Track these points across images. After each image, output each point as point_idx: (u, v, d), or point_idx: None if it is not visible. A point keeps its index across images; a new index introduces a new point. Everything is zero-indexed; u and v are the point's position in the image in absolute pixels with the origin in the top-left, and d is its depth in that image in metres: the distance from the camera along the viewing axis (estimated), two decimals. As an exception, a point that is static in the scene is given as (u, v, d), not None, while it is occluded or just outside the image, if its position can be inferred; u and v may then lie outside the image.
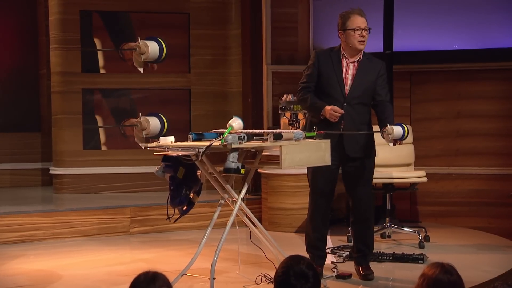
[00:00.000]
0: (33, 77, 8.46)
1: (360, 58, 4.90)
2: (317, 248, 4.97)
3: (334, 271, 5.03)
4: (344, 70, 4.89)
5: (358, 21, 4.84)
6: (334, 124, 4.81)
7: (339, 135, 4.84)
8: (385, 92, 4.93)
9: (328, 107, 4.78)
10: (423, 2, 7.18)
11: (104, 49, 7.75)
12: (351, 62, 4.90)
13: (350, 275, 4.96)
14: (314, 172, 4.92)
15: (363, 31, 4.83)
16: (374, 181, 5.23)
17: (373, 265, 5.13)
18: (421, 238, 5.94)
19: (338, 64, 4.89)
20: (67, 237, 6.45)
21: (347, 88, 4.87)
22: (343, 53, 4.90)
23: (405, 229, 6.22)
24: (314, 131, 4.75)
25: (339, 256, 5.49)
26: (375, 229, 5.98)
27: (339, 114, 4.77)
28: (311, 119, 4.96)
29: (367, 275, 4.92)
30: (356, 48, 4.86)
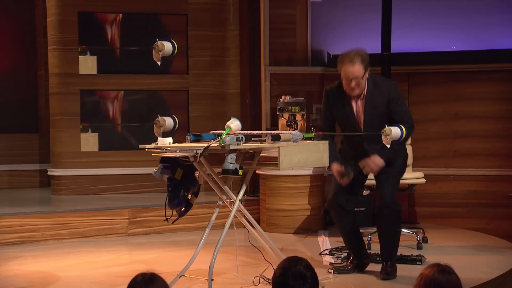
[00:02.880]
0: (31, 78, 8.47)
1: (364, 93, 4.88)
2: (353, 250, 5.12)
3: (331, 272, 5.04)
4: (354, 108, 4.91)
5: (347, 72, 4.81)
6: (359, 152, 4.90)
7: (362, 153, 4.89)
8: (401, 117, 4.85)
9: (335, 169, 4.89)
10: (421, 3, 7.19)
11: (117, 48, 7.76)
12: (358, 100, 4.90)
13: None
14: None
15: (352, 81, 4.82)
16: (370, 182, 5.24)
17: (371, 266, 5.16)
18: (419, 239, 5.94)
19: (347, 103, 4.90)
20: (65, 238, 6.45)
21: (362, 123, 4.91)
22: None
23: (403, 230, 6.20)
24: (312, 132, 4.76)
25: (337, 257, 5.50)
26: (373, 230, 6.01)
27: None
28: (340, 146, 5.07)
29: (382, 274, 4.96)
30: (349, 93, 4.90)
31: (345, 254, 5.43)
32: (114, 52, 7.81)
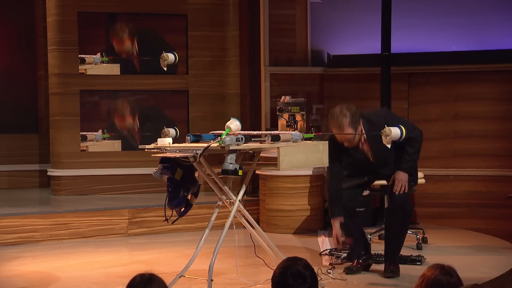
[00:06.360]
0: (31, 78, 8.46)
1: (364, 137, 4.90)
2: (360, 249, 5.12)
3: (330, 272, 5.03)
4: (361, 149, 4.95)
5: (336, 136, 4.85)
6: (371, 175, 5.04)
7: (371, 171, 5.03)
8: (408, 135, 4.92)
9: (335, 231, 4.92)
10: (420, 3, 7.19)
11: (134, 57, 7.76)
12: (362, 143, 4.94)
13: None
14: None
15: (343, 141, 4.86)
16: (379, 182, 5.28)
17: (373, 266, 5.17)
18: (419, 240, 5.94)
19: (355, 148, 4.92)
20: (65, 238, 6.45)
21: (371, 158, 4.97)
22: None
23: (403, 230, 6.20)
24: (312, 132, 4.77)
25: (337, 257, 5.48)
26: (373, 231, 6.02)
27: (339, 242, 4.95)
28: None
29: (386, 272, 4.99)
30: None
31: (345, 254, 5.43)
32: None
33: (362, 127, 4.86)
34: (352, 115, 4.77)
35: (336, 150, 4.93)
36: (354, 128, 4.79)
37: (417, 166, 5.12)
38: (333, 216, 4.98)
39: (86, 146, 7.73)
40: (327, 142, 4.76)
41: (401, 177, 4.91)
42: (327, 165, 4.83)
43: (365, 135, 4.88)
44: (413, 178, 5.03)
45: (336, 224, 4.95)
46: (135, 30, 7.81)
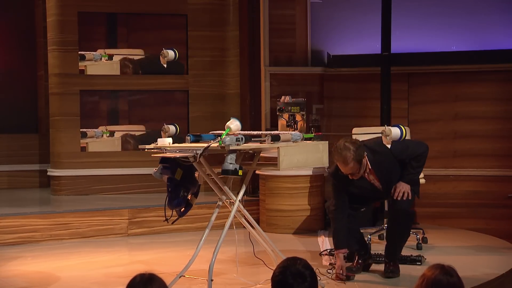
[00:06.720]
0: (31, 78, 8.46)
1: (369, 167, 4.88)
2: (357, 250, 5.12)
3: (330, 272, 5.03)
4: (367, 179, 4.93)
5: (342, 169, 4.80)
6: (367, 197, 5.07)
7: (379, 197, 5.16)
8: (412, 155, 4.93)
9: (339, 263, 4.89)
10: (420, 3, 7.19)
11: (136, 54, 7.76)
12: (367, 174, 4.92)
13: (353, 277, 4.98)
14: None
15: (349, 174, 4.82)
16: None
17: (373, 266, 5.17)
18: (419, 240, 5.94)
19: (361, 178, 4.89)
20: (65, 238, 6.45)
21: (379, 186, 4.96)
22: None
23: (403, 230, 6.20)
24: (312, 132, 4.77)
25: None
26: (373, 231, 6.01)
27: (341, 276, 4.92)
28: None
29: (386, 272, 4.99)
30: None
31: (345, 254, 5.42)
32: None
33: (367, 158, 4.85)
34: (356, 148, 4.73)
35: (342, 184, 4.92)
36: (359, 161, 4.76)
37: (419, 180, 5.11)
38: (337, 248, 4.96)
39: (86, 143, 7.72)
40: (327, 142, 4.76)
41: (403, 185, 4.92)
42: (327, 165, 4.84)
43: (369, 165, 4.86)
44: (414, 188, 5.02)
45: (340, 256, 4.93)
46: (138, 64, 7.82)
